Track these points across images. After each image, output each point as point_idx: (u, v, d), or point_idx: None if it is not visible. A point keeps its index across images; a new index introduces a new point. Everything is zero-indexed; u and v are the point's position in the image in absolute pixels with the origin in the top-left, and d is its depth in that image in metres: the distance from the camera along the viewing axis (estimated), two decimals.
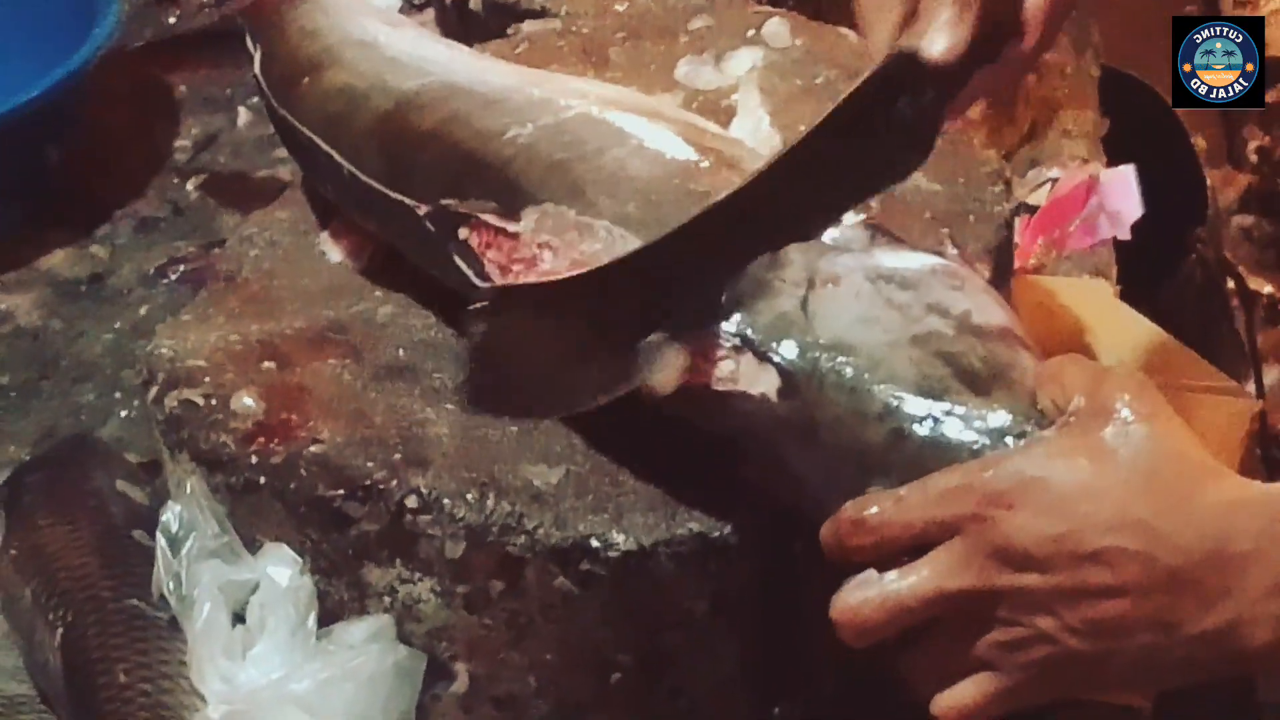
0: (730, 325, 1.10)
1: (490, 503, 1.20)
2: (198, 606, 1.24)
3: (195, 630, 1.24)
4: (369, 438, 1.25)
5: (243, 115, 1.95)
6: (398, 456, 1.23)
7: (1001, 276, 1.42)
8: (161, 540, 1.26)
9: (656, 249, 1.10)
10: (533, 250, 1.22)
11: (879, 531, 1.01)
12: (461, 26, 1.84)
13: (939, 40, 1.08)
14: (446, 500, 1.20)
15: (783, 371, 1.08)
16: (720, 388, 1.11)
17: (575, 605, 1.20)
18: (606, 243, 1.19)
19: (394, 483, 1.22)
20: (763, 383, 1.10)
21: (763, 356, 1.09)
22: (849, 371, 1.06)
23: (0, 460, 1.57)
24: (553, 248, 1.21)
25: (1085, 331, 1.59)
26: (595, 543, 1.17)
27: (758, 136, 1.48)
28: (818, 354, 1.08)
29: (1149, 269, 1.87)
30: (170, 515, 1.26)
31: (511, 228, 1.23)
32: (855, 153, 1.13)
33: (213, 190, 1.84)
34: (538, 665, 1.23)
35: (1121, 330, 1.59)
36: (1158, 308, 1.76)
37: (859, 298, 1.09)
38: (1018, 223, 1.65)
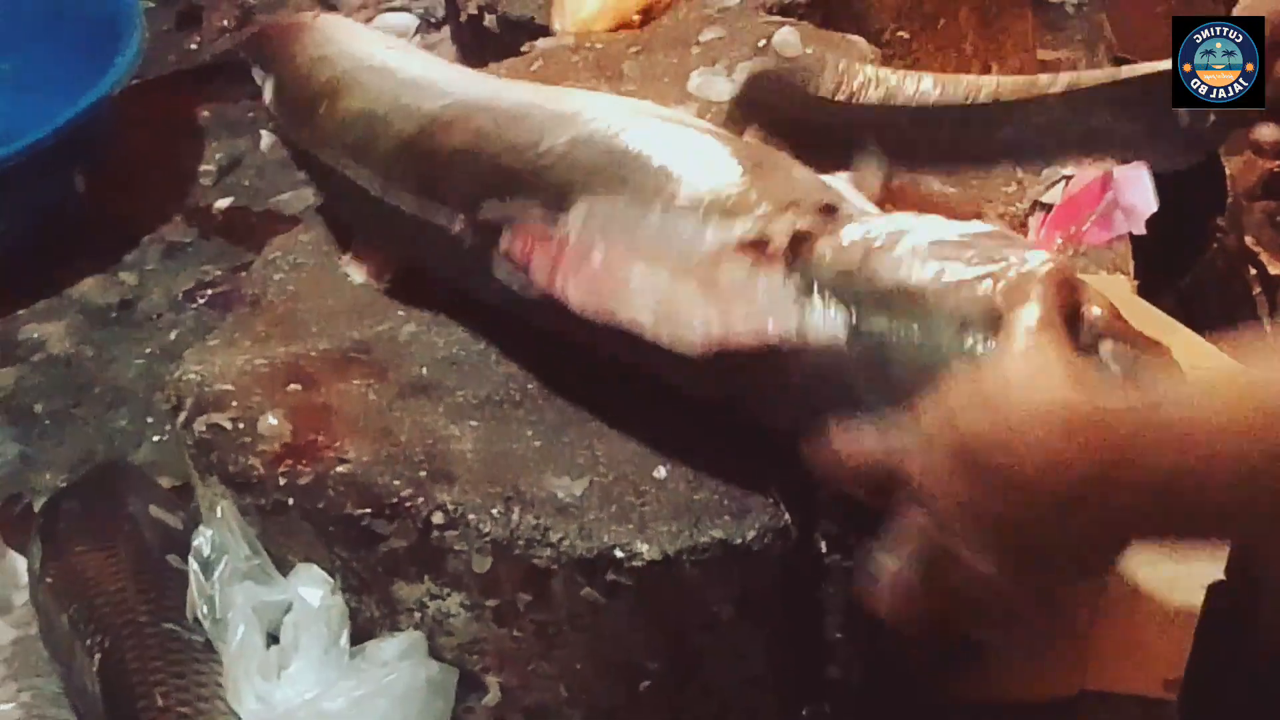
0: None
1: (515, 516, 1.21)
2: (232, 628, 1.26)
3: (230, 651, 1.26)
4: (395, 455, 1.27)
5: (265, 139, 1.97)
6: (423, 473, 1.25)
7: None
8: (194, 564, 1.28)
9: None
10: (584, 243, 1.23)
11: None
12: (477, 43, 1.85)
13: None
14: (472, 515, 1.22)
15: (853, 314, 1.11)
16: (787, 346, 1.13)
17: (603, 614, 1.22)
18: (660, 228, 1.21)
19: (420, 499, 1.24)
20: (830, 330, 1.12)
21: (831, 303, 1.12)
22: (914, 307, 1.10)
23: (36, 487, 1.60)
24: (606, 237, 1.23)
25: None
26: (620, 553, 1.19)
27: None
28: (884, 294, 1.11)
29: (1169, 259, 1.87)
30: (202, 539, 1.28)
31: (558, 226, 1.25)
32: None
33: (238, 213, 1.85)
34: (568, 674, 1.25)
35: (1141, 325, 1.59)
36: (1179, 298, 1.77)
37: (915, 251, 1.11)
38: (1033, 221, 1.66)
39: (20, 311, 1.81)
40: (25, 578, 1.43)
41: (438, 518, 1.23)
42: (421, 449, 1.26)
